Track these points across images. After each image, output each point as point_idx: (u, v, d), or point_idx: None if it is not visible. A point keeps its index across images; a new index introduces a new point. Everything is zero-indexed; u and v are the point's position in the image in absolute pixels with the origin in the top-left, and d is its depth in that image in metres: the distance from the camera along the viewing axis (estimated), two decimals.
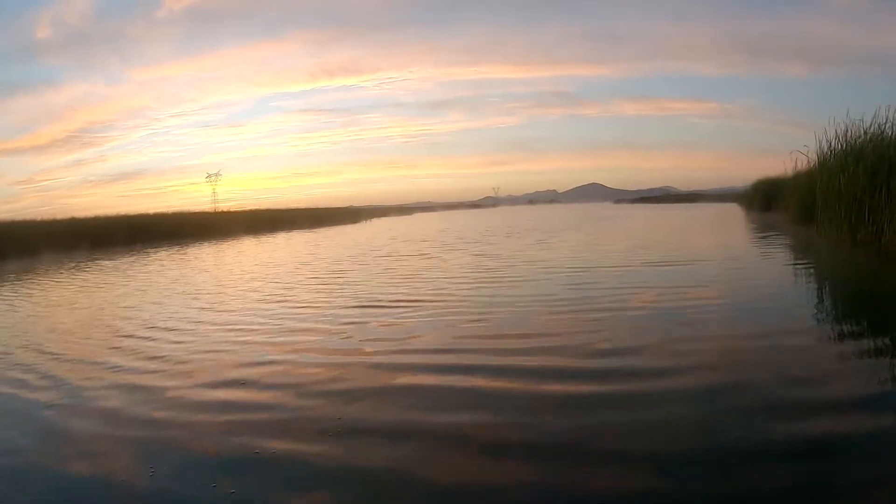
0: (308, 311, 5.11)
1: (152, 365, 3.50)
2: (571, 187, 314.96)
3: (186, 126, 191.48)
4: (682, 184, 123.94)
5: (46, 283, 11.57)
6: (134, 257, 18.70)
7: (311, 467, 1.96)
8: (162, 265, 14.55)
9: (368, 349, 3.57)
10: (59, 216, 34.78)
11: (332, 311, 4.97)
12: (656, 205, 50.47)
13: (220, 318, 5.16)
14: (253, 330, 4.43)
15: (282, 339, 4.02)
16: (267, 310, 5.36)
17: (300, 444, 2.14)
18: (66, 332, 5.12)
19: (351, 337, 3.93)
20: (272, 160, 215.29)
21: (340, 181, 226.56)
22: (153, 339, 4.30)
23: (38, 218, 33.84)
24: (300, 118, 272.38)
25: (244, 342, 3.99)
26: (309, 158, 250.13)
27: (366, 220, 49.25)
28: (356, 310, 4.94)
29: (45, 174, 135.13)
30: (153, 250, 22.22)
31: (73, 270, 14.99)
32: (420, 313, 4.58)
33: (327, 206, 58.42)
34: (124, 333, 4.66)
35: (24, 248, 24.48)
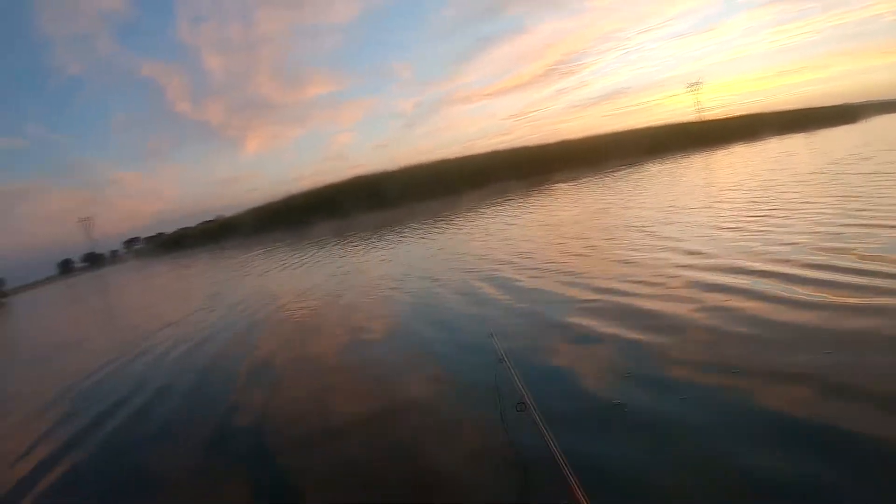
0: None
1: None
2: None
3: (657, 40, 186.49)
4: None
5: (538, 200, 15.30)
6: (619, 172, 20.10)
7: None
8: (636, 182, 15.31)
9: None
10: (550, 140, 40.58)
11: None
12: None
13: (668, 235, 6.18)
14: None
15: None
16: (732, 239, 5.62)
17: None
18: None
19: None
20: (752, 60, 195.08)
21: (830, 75, 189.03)
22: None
23: (532, 144, 39.96)
24: (772, 10, 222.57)
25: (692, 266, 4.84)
26: (791, 53, 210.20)
27: (864, 119, 44.55)
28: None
29: (531, 106, 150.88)
30: (642, 164, 23.76)
31: (549, 189, 17.74)
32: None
33: (818, 106, 53.06)
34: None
35: (519, 171, 30.68)
